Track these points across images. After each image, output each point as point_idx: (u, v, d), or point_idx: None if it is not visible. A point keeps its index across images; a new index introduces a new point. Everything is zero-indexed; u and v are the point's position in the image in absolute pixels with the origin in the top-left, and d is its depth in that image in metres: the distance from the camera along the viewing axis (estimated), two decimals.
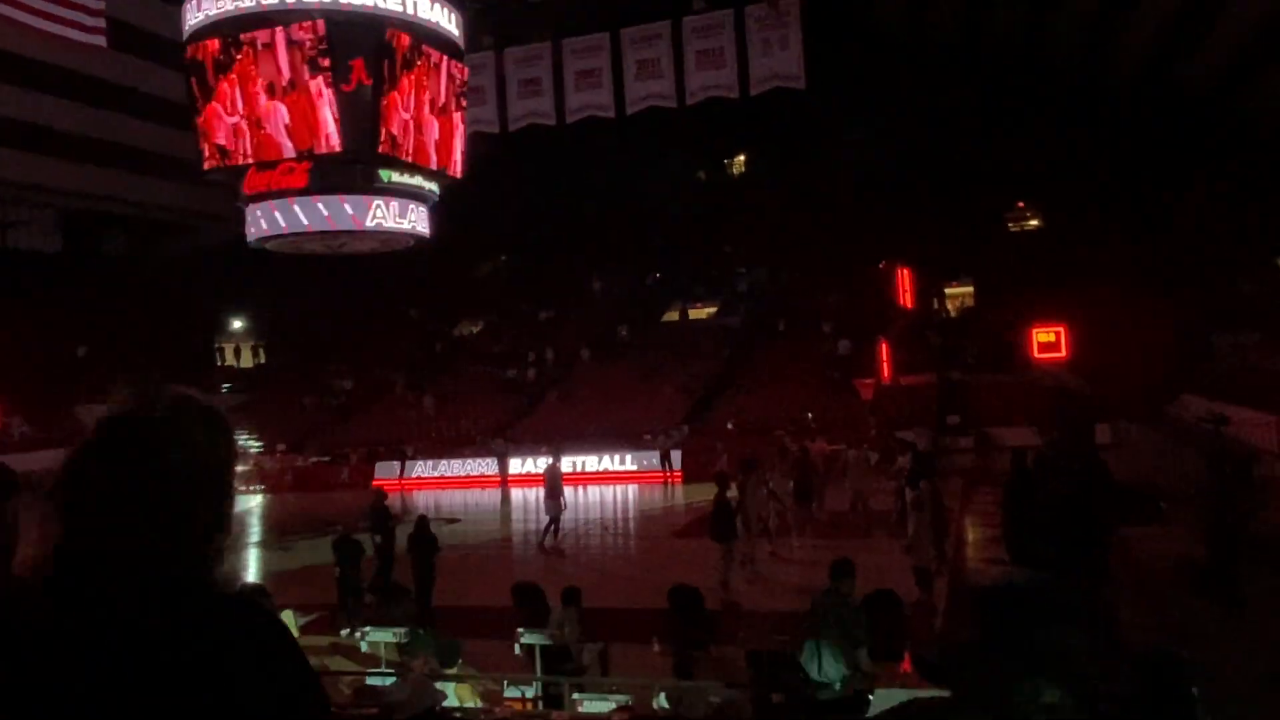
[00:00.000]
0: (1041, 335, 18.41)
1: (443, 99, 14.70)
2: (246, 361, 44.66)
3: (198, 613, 1.11)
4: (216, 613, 1.13)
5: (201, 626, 1.10)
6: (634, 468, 27.10)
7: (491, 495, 26.44)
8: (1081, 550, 10.27)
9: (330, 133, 13.23)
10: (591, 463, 27.67)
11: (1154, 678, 1.95)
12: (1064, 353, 18.50)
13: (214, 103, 13.70)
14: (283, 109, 13.36)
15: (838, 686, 6.22)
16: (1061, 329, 18.71)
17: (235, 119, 13.61)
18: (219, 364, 43.15)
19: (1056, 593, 1.47)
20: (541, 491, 16.90)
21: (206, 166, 14.08)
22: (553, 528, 15.79)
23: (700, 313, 41.38)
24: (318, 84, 13.19)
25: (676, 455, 26.75)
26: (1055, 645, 1.39)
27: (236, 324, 46.06)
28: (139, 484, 1.13)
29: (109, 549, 1.10)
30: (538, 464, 27.36)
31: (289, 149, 13.48)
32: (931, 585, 10.75)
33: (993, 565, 12.06)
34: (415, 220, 14.65)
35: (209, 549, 1.18)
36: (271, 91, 13.42)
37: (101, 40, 15.43)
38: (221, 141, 13.81)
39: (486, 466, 28.36)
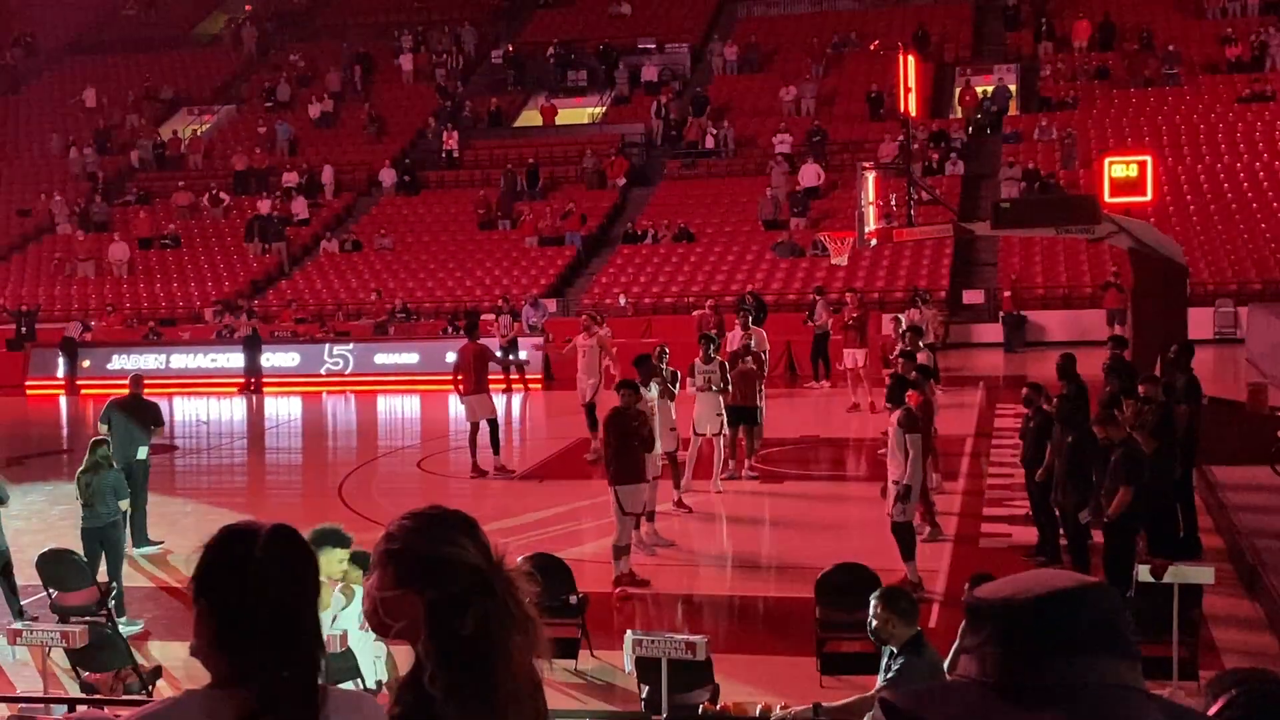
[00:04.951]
0: (1117, 168, 18.84)
1: None
2: None
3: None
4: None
5: None
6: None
7: (235, 406, 26.00)
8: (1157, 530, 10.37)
9: None
10: (391, 357, 27.44)
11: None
12: (1148, 195, 19.06)
13: None
14: None
15: None
16: (1148, 159, 19.19)
17: None
18: None
19: (1097, 608, 1.52)
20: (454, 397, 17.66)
21: None
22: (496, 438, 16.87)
23: (579, 114, 41.11)
24: None
25: (531, 347, 25.92)
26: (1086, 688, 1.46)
27: None
28: None
29: None
30: (322, 355, 27.53)
31: None
32: (910, 551, 10.77)
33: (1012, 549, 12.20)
34: None
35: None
36: None
37: None
38: None
39: (227, 358, 27.82)
